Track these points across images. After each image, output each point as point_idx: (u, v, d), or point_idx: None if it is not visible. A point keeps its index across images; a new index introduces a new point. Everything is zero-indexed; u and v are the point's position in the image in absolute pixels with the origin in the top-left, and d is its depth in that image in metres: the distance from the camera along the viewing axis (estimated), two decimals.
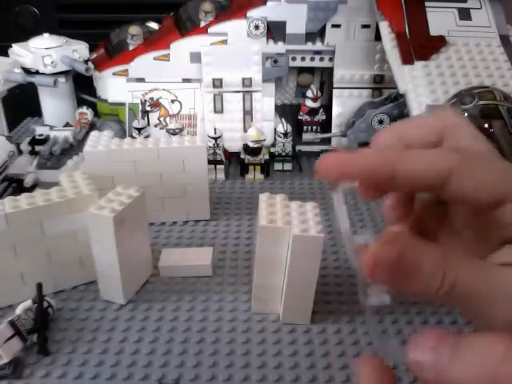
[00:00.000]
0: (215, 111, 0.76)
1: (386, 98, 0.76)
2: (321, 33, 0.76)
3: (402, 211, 0.23)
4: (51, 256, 0.50)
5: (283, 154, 0.76)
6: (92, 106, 0.82)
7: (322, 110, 0.79)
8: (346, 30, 0.75)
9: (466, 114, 0.59)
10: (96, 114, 0.82)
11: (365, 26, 0.75)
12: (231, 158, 0.78)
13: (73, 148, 0.72)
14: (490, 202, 0.20)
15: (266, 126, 0.77)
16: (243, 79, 0.75)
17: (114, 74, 0.77)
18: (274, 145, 0.76)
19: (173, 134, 0.72)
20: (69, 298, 0.52)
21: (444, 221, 0.24)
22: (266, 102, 0.77)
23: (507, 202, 0.20)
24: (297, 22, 0.74)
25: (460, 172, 0.20)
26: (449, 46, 0.69)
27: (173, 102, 0.78)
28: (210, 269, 0.54)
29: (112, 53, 0.80)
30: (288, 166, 0.77)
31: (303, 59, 0.77)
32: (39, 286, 0.45)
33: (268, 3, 0.74)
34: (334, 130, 0.78)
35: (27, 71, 0.75)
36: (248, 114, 0.76)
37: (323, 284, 0.52)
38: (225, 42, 0.75)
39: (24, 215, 0.47)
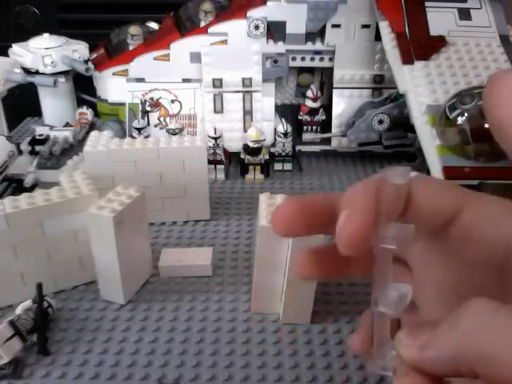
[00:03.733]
0: (215, 111, 0.76)
1: (386, 98, 0.76)
2: (321, 33, 0.76)
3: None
4: (51, 256, 0.50)
5: (283, 154, 0.76)
6: (92, 106, 0.82)
7: (321, 109, 0.79)
8: (346, 30, 0.75)
9: (466, 114, 0.59)
10: (96, 114, 0.82)
11: (365, 26, 0.75)
12: (231, 157, 0.78)
13: (73, 148, 0.72)
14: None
15: (266, 126, 0.77)
16: (243, 79, 0.75)
17: (113, 74, 0.77)
18: (274, 145, 0.76)
19: (173, 134, 0.71)
20: (69, 298, 0.52)
21: None
22: (265, 102, 0.77)
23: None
24: (297, 22, 0.74)
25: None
26: (449, 46, 0.68)
27: (173, 101, 0.78)
28: (210, 269, 0.54)
29: (112, 53, 0.80)
30: (288, 166, 0.77)
31: (303, 59, 0.77)
32: (39, 286, 0.45)
33: (268, 3, 0.74)
34: (334, 130, 0.78)
35: (27, 71, 0.75)
36: (248, 114, 0.76)
37: (323, 284, 0.52)
38: (225, 42, 0.75)
39: (24, 215, 0.47)
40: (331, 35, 0.75)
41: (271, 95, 0.78)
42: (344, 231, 0.19)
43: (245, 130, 0.76)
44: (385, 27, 0.70)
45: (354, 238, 0.19)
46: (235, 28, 0.74)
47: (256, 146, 0.72)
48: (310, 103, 0.79)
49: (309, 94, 0.79)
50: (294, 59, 0.77)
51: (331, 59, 0.77)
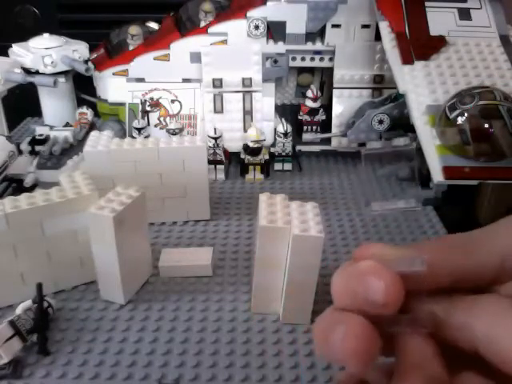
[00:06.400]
0: (215, 111, 0.76)
1: (386, 98, 0.76)
2: (321, 33, 0.76)
3: None
4: (51, 256, 0.50)
5: (283, 154, 0.76)
6: (92, 106, 0.82)
7: (321, 109, 0.79)
8: (346, 30, 0.75)
9: (466, 114, 0.59)
10: (96, 114, 0.82)
11: (365, 26, 0.75)
12: (231, 157, 0.78)
13: (73, 148, 0.72)
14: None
15: (266, 126, 0.77)
16: (243, 79, 0.75)
17: (114, 74, 0.77)
18: (274, 145, 0.76)
19: (173, 134, 0.72)
20: (69, 298, 0.52)
21: None
22: (266, 102, 0.77)
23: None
24: (297, 22, 0.74)
25: None
26: (449, 46, 0.69)
27: (173, 101, 0.78)
28: (210, 269, 0.54)
29: (112, 53, 0.80)
30: (288, 166, 0.77)
31: (303, 59, 0.77)
32: (39, 286, 0.45)
33: (268, 3, 0.74)
34: (334, 130, 0.78)
35: (27, 71, 0.75)
36: (248, 114, 0.76)
37: (323, 284, 0.52)
38: (225, 41, 0.75)
39: (24, 215, 0.47)
40: (331, 35, 0.75)
41: (271, 95, 0.78)
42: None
43: (245, 130, 0.76)
44: (385, 27, 0.70)
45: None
46: (235, 28, 0.74)
47: (256, 145, 0.72)
48: (309, 103, 0.79)
49: (309, 94, 0.79)
50: (294, 59, 0.77)
51: (331, 59, 0.77)
